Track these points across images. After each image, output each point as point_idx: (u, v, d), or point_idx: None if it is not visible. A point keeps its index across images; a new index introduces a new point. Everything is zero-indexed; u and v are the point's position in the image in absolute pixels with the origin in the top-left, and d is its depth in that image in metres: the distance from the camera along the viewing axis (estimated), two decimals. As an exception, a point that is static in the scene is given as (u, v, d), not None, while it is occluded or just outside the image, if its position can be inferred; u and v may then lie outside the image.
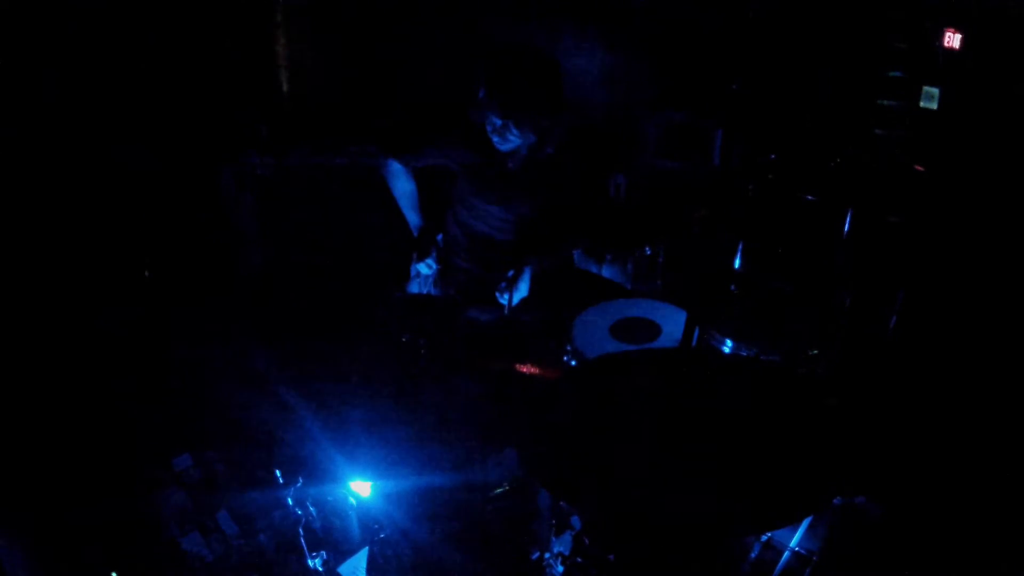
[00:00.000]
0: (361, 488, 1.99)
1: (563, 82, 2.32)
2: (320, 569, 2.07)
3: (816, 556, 2.11)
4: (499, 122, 2.27)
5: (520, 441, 1.73)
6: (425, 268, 2.65)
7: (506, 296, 2.40)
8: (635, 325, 2.25)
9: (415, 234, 2.72)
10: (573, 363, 2.16)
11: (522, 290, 2.45)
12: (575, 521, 1.99)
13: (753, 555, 2.12)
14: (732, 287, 2.61)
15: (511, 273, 2.44)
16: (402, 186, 2.70)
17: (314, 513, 2.06)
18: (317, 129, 3.95)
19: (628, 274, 3.25)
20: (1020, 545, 2.16)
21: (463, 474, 1.85)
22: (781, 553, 2.12)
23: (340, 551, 2.12)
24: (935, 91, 3.36)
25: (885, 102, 3.51)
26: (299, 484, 2.08)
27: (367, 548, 2.01)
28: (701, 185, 3.96)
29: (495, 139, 2.34)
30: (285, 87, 3.99)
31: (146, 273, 3.45)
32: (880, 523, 2.22)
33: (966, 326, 2.89)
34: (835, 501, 2.22)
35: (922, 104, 3.39)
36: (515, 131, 2.30)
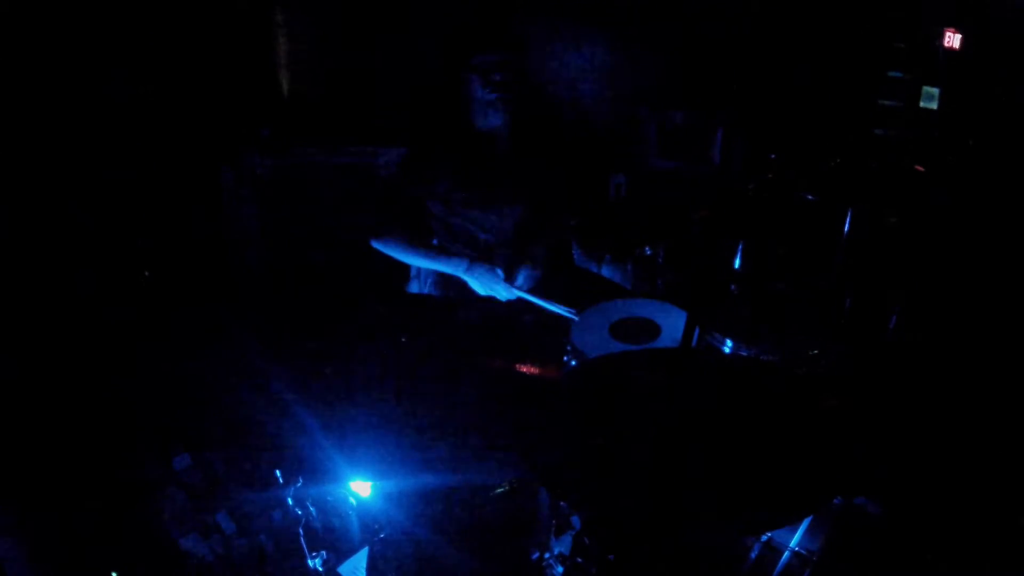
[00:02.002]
0: (361, 488, 1.99)
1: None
2: (320, 569, 2.07)
3: (816, 556, 2.11)
4: (492, 96, 2.38)
5: (520, 441, 1.73)
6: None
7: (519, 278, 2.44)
8: (635, 325, 2.25)
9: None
10: (573, 363, 2.16)
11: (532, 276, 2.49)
12: (575, 521, 1.99)
13: (753, 555, 2.12)
14: (732, 287, 2.60)
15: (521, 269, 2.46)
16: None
17: (314, 513, 2.07)
18: (317, 129, 3.95)
19: (628, 274, 3.25)
20: (1020, 545, 2.16)
21: (463, 474, 1.85)
22: (781, 553, 2.12)
23: (340, 551, 2.12)
24: (935, 91, 3.36)
25: (885, 102, 3.51)
26: (299, 484, 2.08)
27: (367, 548, 2.02)
28: (701, 185, 3.96)
29: (489, 110, 2.42)
30: (285, 87, 3.99)
31: (146, 273, 3.45)
32: (880, 523, 2.22)
33: (966, 326, 2.89)
34: (835, 501, 2.22)
35: (922, 104, 3.39)
36: (507, 99, 2.40)
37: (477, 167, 2.50)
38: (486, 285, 2.48)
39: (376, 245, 2.61)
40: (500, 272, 2.47)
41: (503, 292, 2.47)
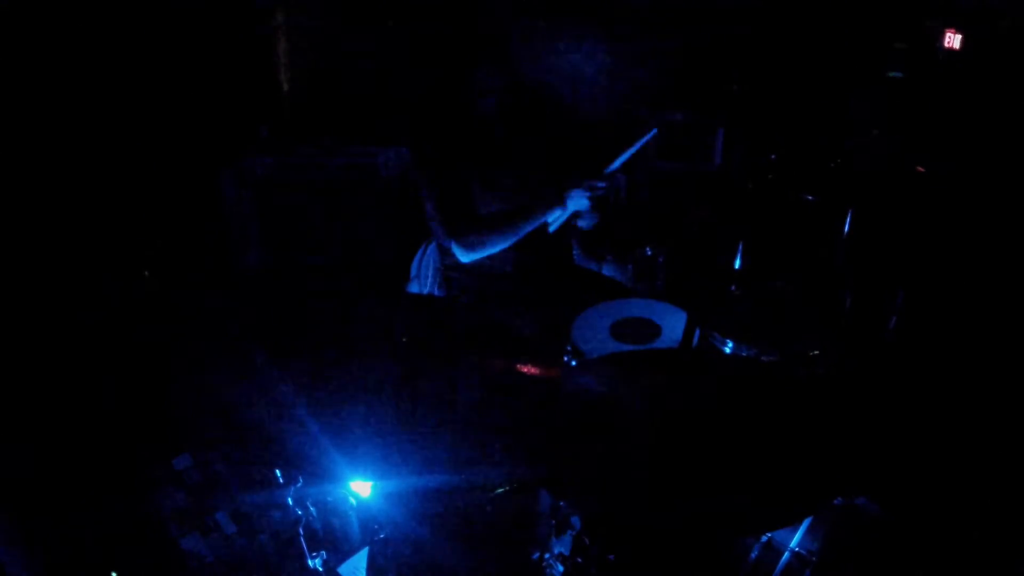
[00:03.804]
0: (361, 488, 1.99)
1: None
2: (320, 569, 2.07)
3: (816, 556, 2.11)
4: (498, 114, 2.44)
5: (521, 442, 1.73)
6: None
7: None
8: (635, 325, 2.25)
9: None
10: (573, 363, 2.16)
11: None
12: (575, 521, 1.99)
13: (753, 555, 2.12)
14: (732, 287, 2.61)
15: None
16: None
17: (314, 513, 2.07)
18: (317, 129, 3.95)
19: (628, 274, 3.25)
20: (1020, 545, 2.16)
21: (463, 474, 1.84)
22: (781, 553, 2.12)
23: (340, 551, 2.12)
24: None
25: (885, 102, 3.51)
26: (299, 484, 2.08)
27: (367, 548, 2.02)
28: (701, 185, 3.96)
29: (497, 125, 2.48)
30: (285, 87, 3.99)
31: (146, 273, 3.45)
32: (880, 523, 2.22)
33: (966, 326, 2.89)
34: (835, 501, 2.22)
35: (921, 104, 3.39)
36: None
37: (498, 171, 2.53)
38: (584, 199, 2.44)
39: (470, 251, 2.53)
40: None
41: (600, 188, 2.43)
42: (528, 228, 2.49)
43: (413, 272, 2.75)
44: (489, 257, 2.60)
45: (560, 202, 2.43)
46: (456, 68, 2.45)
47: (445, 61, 2.49)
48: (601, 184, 2.39)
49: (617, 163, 2.41)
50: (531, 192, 2.52)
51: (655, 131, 2.33)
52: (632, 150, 2.39)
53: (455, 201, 2.51)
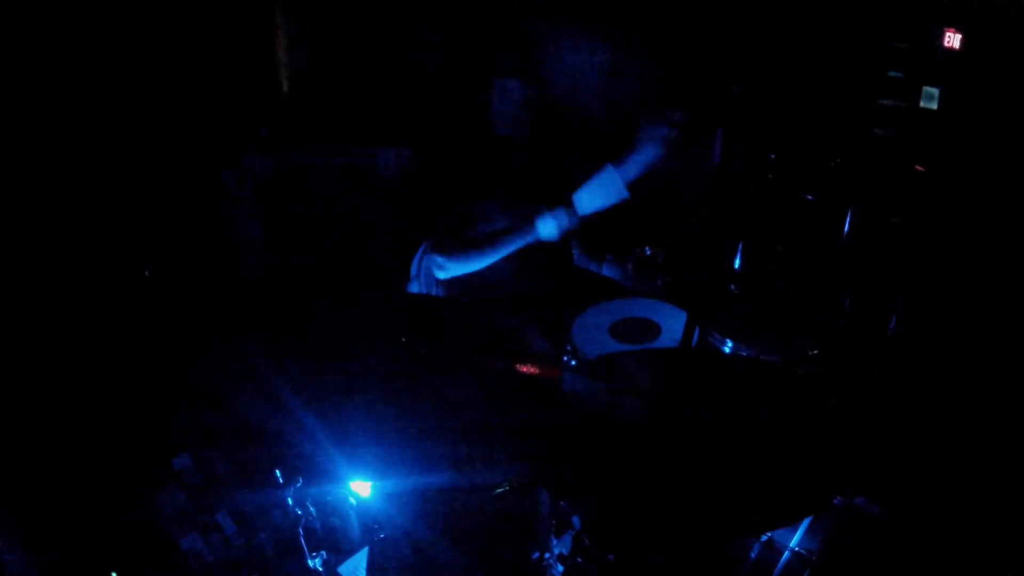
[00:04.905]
0: (361, 488, 1.99)
1: None
2: (320, 569, 2.07)
3: (816, 556, 2.11)
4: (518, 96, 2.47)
5: (521, 442, 1.73)
6: None
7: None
8: (635, 325, 2.25)
9: None
10: (573, 363, 2.16)
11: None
12: (575, 521, 1.99)
13: (753, 555, 2.12)
14: (732, 287, 2.61)
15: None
16: None
17: (314, 513, 2.07)
18: (317, 129, 3.95)
19: (628, 274, 3.25)
20: (1020, 545, 2.16)
21: (463, 474, 1.84)
22: (781, 553, 2.12)
23: (340, 551, 2.12)
24: (935, 91, 3.36)
25: (885, 102, 3.51)
26: (299, 484, 2.08)
27: (367, 548, 2.02)
28: (701, 185, 3.96)
29: (508, 114, 2.49)
30: (285, 87, 3.99)
31: (146, 273, 3.45)
32: (880, 523, 2.22)
33: (966, 326, 2.89)
34: (835, 501, 2.22)
35: (922, 104, 3.39)
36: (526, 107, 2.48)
37: (506, 175, 2.53)
38: (562, 224, 2.45)
39: (447, 270, 2.57)
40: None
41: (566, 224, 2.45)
42: (499, 255, 2.50)
43: (413, 272, 2.75)
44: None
45: (531, 228, 2.44)
46: (470, 73, 2.45)
47: (454, 64, 2.49)
48: (569, 220, 2.42)
49: (589, 209, 2.43)
50: (510, 216, 2.53)
51: (627, 196, 2.40)
52: (605, 205, 2.43)
53: (446, 216, 2.53)
